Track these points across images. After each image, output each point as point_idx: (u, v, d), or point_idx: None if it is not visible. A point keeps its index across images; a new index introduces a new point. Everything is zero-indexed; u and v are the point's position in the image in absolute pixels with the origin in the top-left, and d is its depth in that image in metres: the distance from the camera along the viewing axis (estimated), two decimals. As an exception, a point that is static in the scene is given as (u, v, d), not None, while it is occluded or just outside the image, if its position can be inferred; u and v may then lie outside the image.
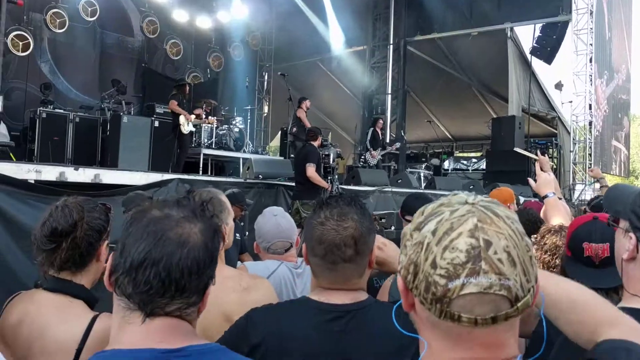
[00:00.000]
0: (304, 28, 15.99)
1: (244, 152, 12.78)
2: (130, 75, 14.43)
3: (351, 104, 18.93)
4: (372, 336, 1.60)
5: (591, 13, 14.34)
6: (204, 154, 11.73)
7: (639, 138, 38.82)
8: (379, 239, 1.86)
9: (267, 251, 2.88)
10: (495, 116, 17.18)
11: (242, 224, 5.40)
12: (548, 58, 14.71)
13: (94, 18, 13.33)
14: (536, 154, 4.24)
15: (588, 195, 13.01)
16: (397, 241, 1.37)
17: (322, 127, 10.33)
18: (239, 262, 3.74)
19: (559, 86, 15.61)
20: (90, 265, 1.92)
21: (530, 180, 3.23)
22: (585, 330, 1.23)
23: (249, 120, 14.95)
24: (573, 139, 15.08)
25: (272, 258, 2.84)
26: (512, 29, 14.98)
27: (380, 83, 17.11)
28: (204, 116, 11.24)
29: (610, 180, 14.40)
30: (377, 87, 17.19)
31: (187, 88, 10.95)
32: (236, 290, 2.12)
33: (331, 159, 10.70)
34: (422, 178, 13.76)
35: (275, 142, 18.55)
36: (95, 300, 1.90)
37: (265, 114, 18.48)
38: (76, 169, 6.09)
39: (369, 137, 13.46)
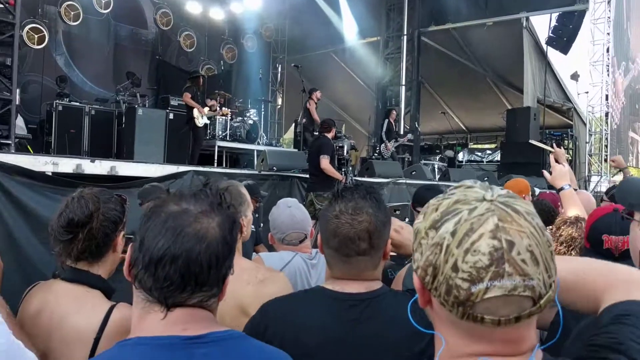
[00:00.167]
0: (317, 19, 15.91)
1: (258, 144, 12.81)
2: (144, 68, 14.47)
3: (365, 95, 18.85)
4: (386, 324, 1.60)
5: (609, 2, 14.14)
6: (219, 146, 11.78)
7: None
8: (396, 222, 1.86)
9: (281, 242, 2.88)
10: (510, 107, 17.02)
11: (256, 215, 5.41)
12: (564, 48, 14.52)
13: (108, 10, 13.37)
14: (552, 146, 4.21)
15: (604, 187, 12.90)
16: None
17: (336, 119, 10.30)
18: (254, 254, 3.76)
19: (575, 77, 15.44)
20: (107, 256, 1.94)
21: (545, 173, 3.20)
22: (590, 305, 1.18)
23: (262, 113, 14.98)
24: (589, 130, 14.94)
25: (286, 249, 2.85)
26: (527, 19, 14.79)
27: (394, 74, 16.99)
28: (217, 108, 11.26)
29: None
30: (391, 79, 17.08)
31: (201, 80, 10.96)
32: (252, 283, 2.13)
33: (345, 151, 10.69)
34: (436, 170, 13.69)
35: (289, 134, 18.52)
36: (112, 290, 1.92)
37: (279, 106, 18.43)
38: (92, 161, 6.15)
39: (384, 129, 13.36)
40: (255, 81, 15.87)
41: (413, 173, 11.31)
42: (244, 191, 2.30)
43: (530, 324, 0.92)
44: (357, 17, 16.24)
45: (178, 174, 6.60)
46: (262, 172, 7.92)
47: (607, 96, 14.57)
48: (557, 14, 14.47)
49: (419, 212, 1.07)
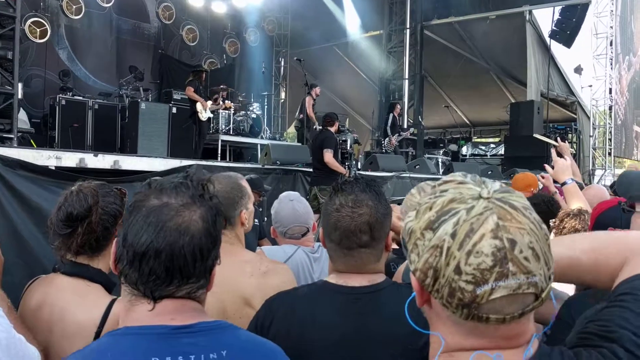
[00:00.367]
0: (320, 13, 15.87)
1: (262, 138, 12.79)
2: (147, 62, 14.45)
3: (368, 89, 18.84)
4: (390, 318, 1.59)
5: (612, -5, 14.08)
6: (222, 140, 11.76)
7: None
8: (397, 209, 1.85)
9: (284, 236, 2.88)
10: (513, 101, 17.00)
11: (260, 209, 5.41)
12: (567, 41, 14.45)
13: (110, 4, 13.32)
14: (555, 140, 4.18)
15: (608, 181, 12.87)
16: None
17: (339, 112, 10.30)
18: (257, 248, 3.76)
19: (578, 70, 15.38)
20: (107, 250, 1.92)
21: (548, 167, 3.17)
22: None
23: (266, 106, 14.94)
24: (593, 124, 14.89)
25: (289, 243, 2.85)
26: (530, 12, 14.76)
27: (397, 68, 16.96)
28: (220, 101, 11.26)
29: (632, 166, 14.22)
30: (394, 72, 17.04)
31: (204, 75, 10.94)
32: (255, 275, 2.13)
33: (348, 145, 10.68)
34: (439, 164, 13.68)
35: (293, 128, 18.52)
36: (113, 284, 1.91)
37: (283, 100, 18.39)
38: (95, 155, 6.14)
39: (389, 123, 13.32)
40: (258, 75, 15.83)
41: (417, 167, 11.31)
42: (245, 184, 2.29)
43: (530, 317, 0.93)
44: (359, 11, 16.19)
45: (181, 168, 6.59)
46: (266, 166, 7.92)
47: (610, 89, 14.51)
48: (560, 7, 14.41)
49: None
